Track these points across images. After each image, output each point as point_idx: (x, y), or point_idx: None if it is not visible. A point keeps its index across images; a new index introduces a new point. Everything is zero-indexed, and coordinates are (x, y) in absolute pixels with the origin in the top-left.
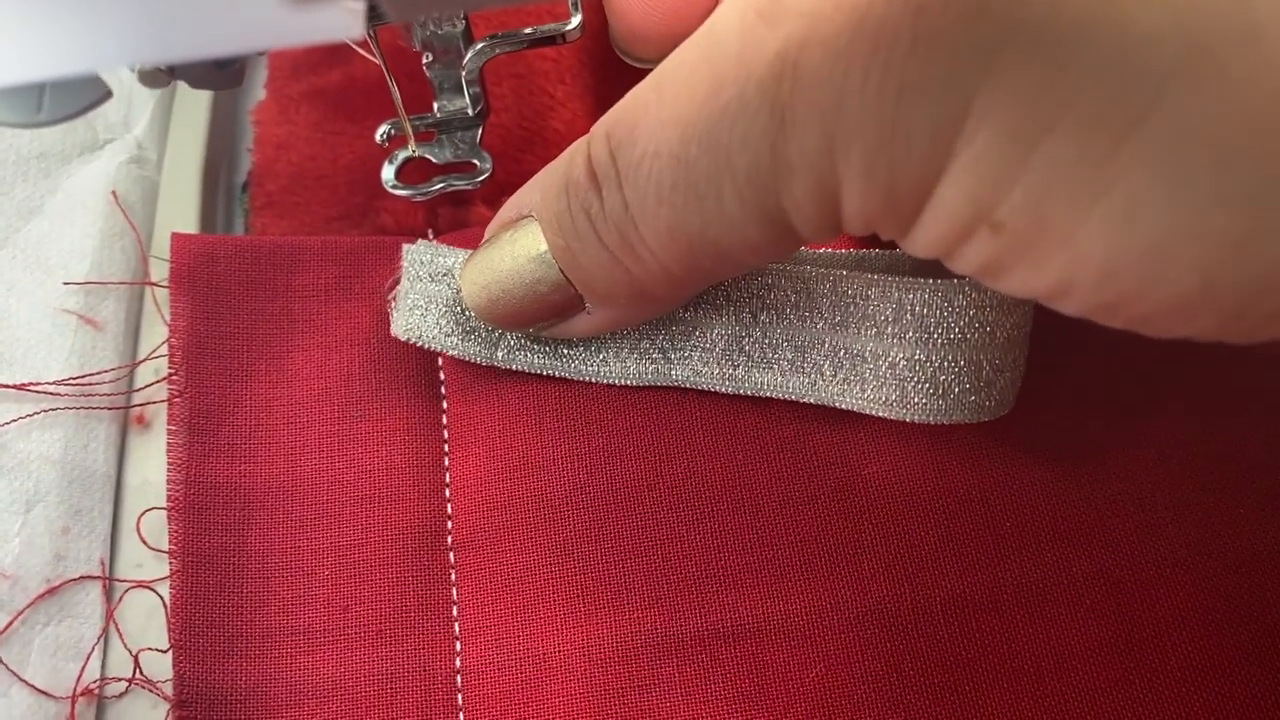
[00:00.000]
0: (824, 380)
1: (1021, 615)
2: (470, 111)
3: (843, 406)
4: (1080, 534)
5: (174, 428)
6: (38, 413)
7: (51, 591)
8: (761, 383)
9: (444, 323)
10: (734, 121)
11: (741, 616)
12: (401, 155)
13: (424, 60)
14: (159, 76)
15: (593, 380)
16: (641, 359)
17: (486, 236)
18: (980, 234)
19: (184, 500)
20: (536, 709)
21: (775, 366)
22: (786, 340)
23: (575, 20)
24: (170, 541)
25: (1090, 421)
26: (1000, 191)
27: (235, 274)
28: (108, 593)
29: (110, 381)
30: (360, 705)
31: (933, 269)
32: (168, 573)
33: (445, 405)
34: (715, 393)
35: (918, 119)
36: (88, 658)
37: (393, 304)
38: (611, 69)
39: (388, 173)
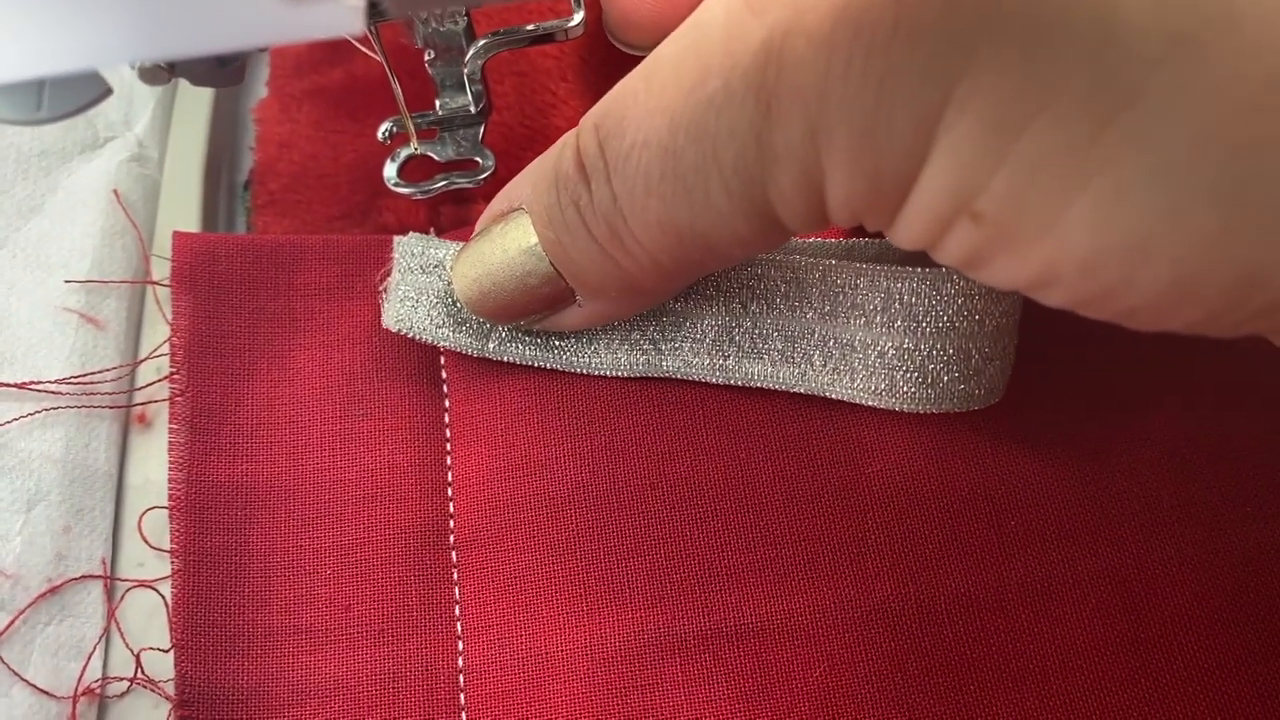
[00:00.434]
0: (814, 370)
1: (1026, 614)
2: (472, 109)
3: (833, 396)
4: (1085, 532)
5: (175, 426)
6: (39, 412)
7: (53, 591)
8: (752, 373)
9: (435, 314)
10: (720, 111)
11: (745, 615)
12: (404, 153)
13: (426, 58)
14: (159, 74)
15: (584, 371)
16: (632, 350)
17: (478, 229)
18: (961, 224)
19: (185, 499)
20: (539, 708)
21: (766, 357)
22: (776, 330)
23: (577, 17)
24: (172, 540)
25: (1095, 419)
26: (980, 181)
27: (237, 273)
28: (109, 592)
29: (111, 380)
30: (362, 705)
31: (921, 258)
32: (169, 572)
33: (447, 404)
34: (717, 390)
35: (899, 107)
36: (89, 657)
37: (384, 295)
38: (614, 66)
39: (390, 171)
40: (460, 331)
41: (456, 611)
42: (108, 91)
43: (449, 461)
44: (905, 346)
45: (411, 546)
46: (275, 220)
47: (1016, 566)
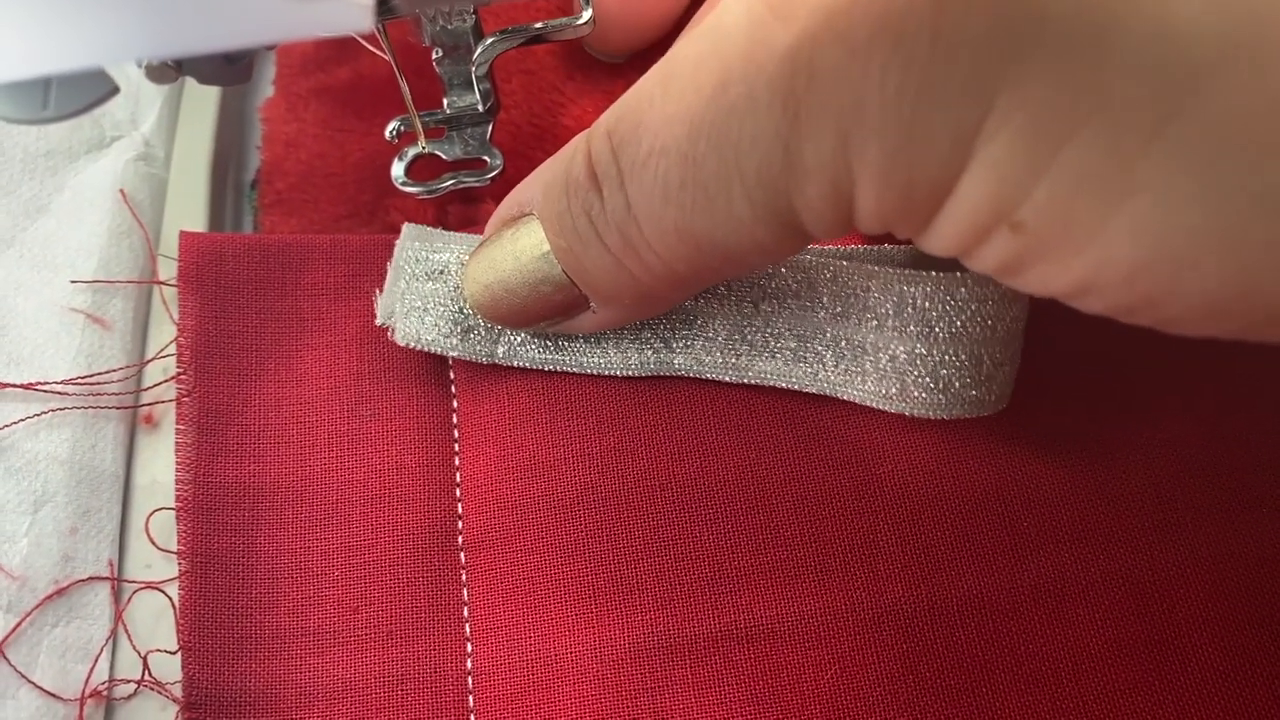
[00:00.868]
0: (826, 370)
1: (1039, 615)
2: (480, 107)
3: (844, 398)
4: (1099, 533)
5: (182, 427)
6: (45, 412)
7: (60, 592)
8: (764, 371)
9: (443, 324)
10: (743, 119)
11: (755, 617)
12: (411, 152)
13: (433, 56)
14: (166, 72)
15: (595, 372)
16: (644, 348)
17: (487, 233)
18: (1000, 233)
19: (193, 500)
20: (548, 710)
21: (778, 355)
22: (789, 329)
23: (586, 15)
24: (179, 542)
25: (1108, 419)
26: (1022, 191)
27: (244, 273)
28: (116, 594)
29: (118, 381)
30: (370, 707)
31: (930, 260)
32: (177, 573)
33: (455, 404)
34: (727, 390)
35: (939, 118)
36: (96, 659)
37: (378, 296)
38: (624, 65)
39: (397, 170)
40: (468, 339)
41: (465, 613)
42: (114, 90)
43: (457, 462)
44: (918, 351)
45: (420, 548)
46: (282, 220)
47: (1029, 568)
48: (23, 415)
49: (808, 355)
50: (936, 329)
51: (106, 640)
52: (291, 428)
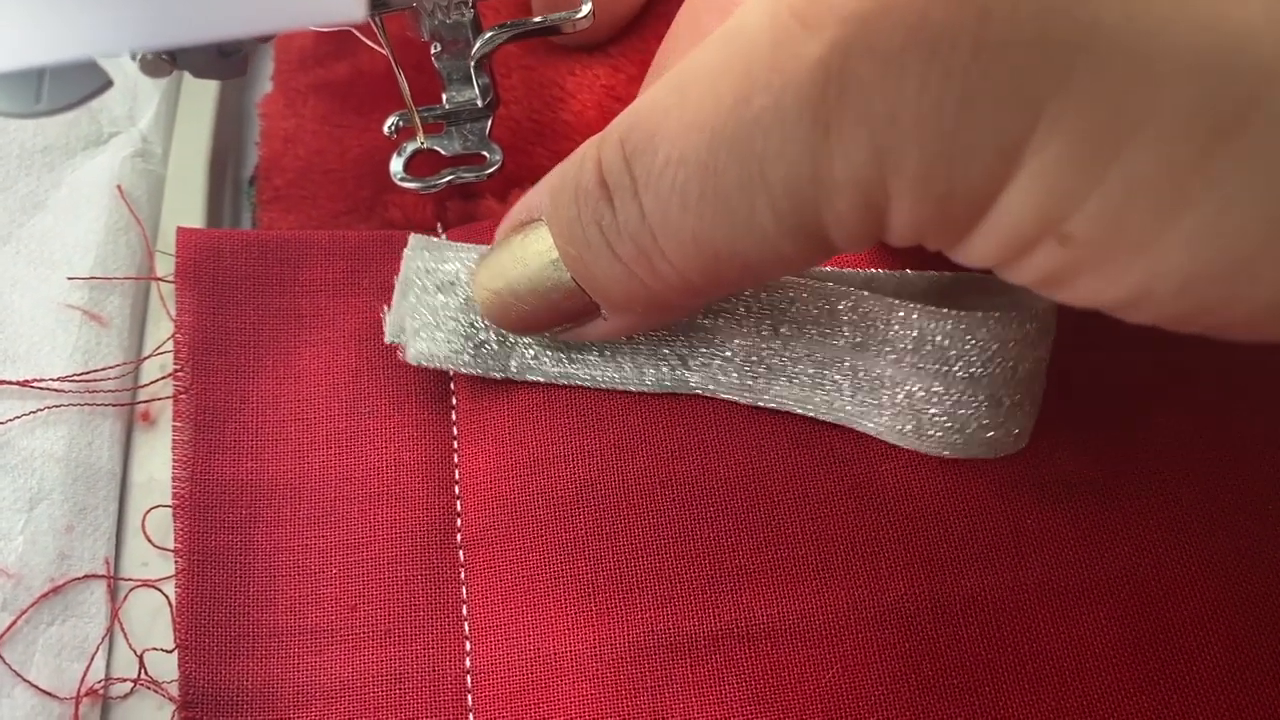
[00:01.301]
0: (843, 398)
1: (1043, 614)
2: (479, 103)
3: (858, 429)
4: (1103, 532)
5: (179, 424)
6: (42, 409)
7: (55, 590)
8: (781, 396)
9: (454, 340)
10: (768, 130)
11: (756, 616)
12: (410, 147)
13: (432, 50)
14: (161, 65)
15: (609, 388)
16: (660, 365)
17: (497, 238)
18: (1046, 245)
19: (190, 498)
20: (547, 709)
21: (796, 381)
22: (807, 355)
23: (585, 8)
24: (176, 540)
25: (1114, 418)
26: (1073, 203)
27: (242, 269)
28: (112, 592)
29: (115, 378)
30: (369, 706)
31: (953, 292)
32: (173, 571)
33: (454, 402)
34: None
35: (981, 131)
36: (92, 658)
37: (386, 311)
38: (623, 60)
39: (396, 165)
40: (480, 355)
41: (464, 611)
42: (108, 83)
43: (456, 459)
44: (935, 390)
45: (418, 545)
46: (281, 216)
47: (1033, 566)
48: (19, 412)
49: (824, 383)
50: (955, 368)
51: (103, 638)
52: (289, 425)
